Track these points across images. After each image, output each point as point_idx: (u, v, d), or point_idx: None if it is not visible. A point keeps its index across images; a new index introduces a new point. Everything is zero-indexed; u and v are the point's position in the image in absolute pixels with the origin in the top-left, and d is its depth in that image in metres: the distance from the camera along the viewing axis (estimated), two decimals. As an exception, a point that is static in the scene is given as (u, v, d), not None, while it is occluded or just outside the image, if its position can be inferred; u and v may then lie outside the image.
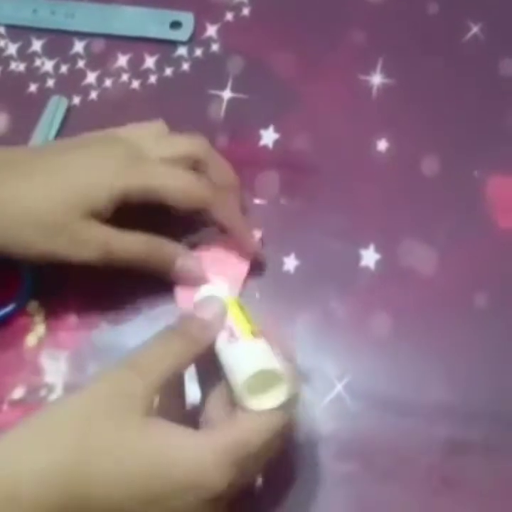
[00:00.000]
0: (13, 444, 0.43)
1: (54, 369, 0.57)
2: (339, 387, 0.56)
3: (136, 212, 0.55)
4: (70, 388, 0.57)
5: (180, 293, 0.58)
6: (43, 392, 0.57)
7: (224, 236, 0.58)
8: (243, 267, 0.59)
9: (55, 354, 0.58)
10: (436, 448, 0.54)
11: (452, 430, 0.54)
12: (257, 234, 0.59)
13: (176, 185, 0.55)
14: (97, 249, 0.54)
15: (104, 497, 0.43)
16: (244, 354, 0.47)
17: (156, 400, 0.46)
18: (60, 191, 0.53)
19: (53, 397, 0.57)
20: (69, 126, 0.65)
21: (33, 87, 0.67)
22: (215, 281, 0.56)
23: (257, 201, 0.62)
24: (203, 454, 0.44)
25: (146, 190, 0.54)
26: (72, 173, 0.54)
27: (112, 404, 0.44)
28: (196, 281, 0.56)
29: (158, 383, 0.45)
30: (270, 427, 0.45)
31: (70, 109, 0.66)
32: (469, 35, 0.66)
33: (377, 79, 0.65)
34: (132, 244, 0.55)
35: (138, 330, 0.58)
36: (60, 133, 0.65)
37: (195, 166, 0.57)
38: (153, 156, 0.55)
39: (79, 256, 0.54)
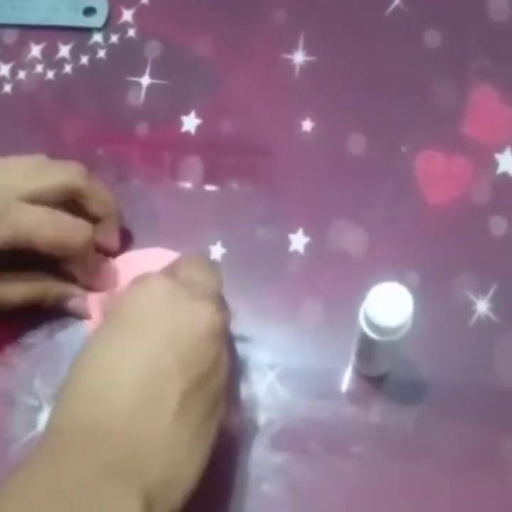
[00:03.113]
0: None
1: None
2: (271, 376, 0.55)
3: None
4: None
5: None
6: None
7: None
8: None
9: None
10: (368, 435, 0.53)
11: (385, 415, 0.53)
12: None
13: (46, 234, 0.52)
14: None
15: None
16: None
17: None
18: None
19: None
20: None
21: None
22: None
23: (180, 187, 0.60)
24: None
25: (14, 240, 0.51)
26: None
27: None
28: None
29: None
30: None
31: (-17, 104, 0.63)
32: (392, 7, 0.64)
33: (299, 57, 0.63)
34: (20, 293, 0.54)
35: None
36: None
37: (73, 196, 0.54)
38: (25, 194, 0.52)
39: None
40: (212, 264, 0.52)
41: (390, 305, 0.44)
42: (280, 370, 0.55)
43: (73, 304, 0.56)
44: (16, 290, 0.54)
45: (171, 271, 0.49)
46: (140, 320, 0.45)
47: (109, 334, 0.46)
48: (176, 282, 0.47)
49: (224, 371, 0.46)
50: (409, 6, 0.64)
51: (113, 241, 0.57)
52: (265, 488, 0.52)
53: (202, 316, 0.45)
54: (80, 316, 0.56)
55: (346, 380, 0.55)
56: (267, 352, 0.55)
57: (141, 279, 0.48)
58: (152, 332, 0.44)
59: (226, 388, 0.46)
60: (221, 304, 0.49)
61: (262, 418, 0.54)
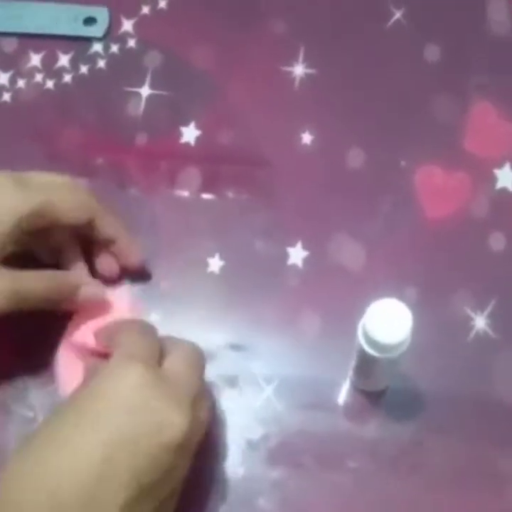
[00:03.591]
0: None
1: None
2: (268, 390, 0.54)
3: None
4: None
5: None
6: None
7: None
8: None
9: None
10: (364, 449, 0.52)
11: (381, 430, 0.53)
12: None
13: (69, 198, 0.53)
14: (6, 297, 0.50)
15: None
16: None
17: None
18: None
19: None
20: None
21: None
22: None
23: (178, 198, 0.60)
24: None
25: (43, 209, 0.51)
26: None
27: None
28: (101, 308, 0.56)
29: None
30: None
31: (-19, 113, 0.63)
32: (392, 20, 0.64)
33: (299, 69, 0.63)
34: (39, 282, 0.52)
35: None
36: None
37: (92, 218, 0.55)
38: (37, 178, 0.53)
39: None
40: (198, 353, 0.49)
41: (389, 322, 0.44)
42: (277, 384, 0.54)
43: (85, 292, 0.55)
44: (39, 280, 0.52)
45: (158, 353, 0.48)
46: (104, 411, 0.43)
47: (66, 417, 0.44)
48: (155, 375, 0.45)
49: (177, 479, 0.45)
50: (410, 19, 0.64)
51: (134, 254, 0.57)
52: (261, 502, 0.52)
53: (169, 427, 0.43)
54: (93, 304, 0.55)
55: (343, 394, 0.55)
56: (263, 366, 0.55)
57: (119, 361, 0.46)
58: (112, 429, 0.42)
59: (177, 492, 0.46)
60: (199, 400, 0.47)
61: (259, 432, 0.53)
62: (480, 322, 0.56)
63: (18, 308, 0.51)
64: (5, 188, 0.51)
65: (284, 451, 0.53)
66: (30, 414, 0.54)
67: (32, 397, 0.54)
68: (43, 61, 0.65)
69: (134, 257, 0.57)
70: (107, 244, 0.56)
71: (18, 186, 0.51)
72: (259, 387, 0.54)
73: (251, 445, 0.53)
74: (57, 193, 0.52)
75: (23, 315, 0.54)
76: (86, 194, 0.55)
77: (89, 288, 0.55)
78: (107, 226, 0.55)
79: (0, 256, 0.50)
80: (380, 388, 0.54)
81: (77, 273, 0.56)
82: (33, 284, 0.52)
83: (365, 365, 0.49)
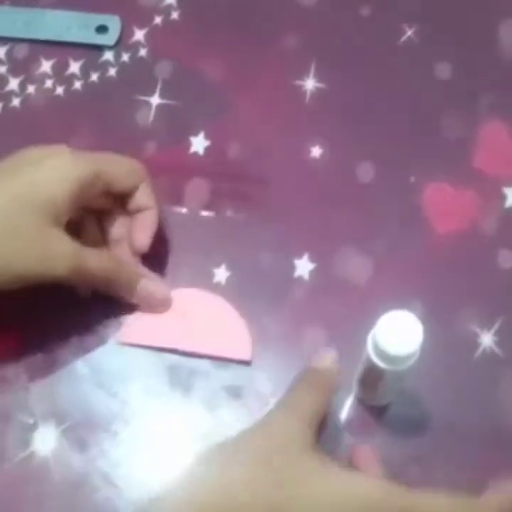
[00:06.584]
0: None
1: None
2: (272, 403, 0.53)
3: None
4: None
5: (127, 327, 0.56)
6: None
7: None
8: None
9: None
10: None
11: (383, 446, 0.53)
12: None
13: (120, 165, 0.55)
14: (69, 264, 0.50)
15: None
16: None
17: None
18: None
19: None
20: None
21: (-49, 95, 0.64)
22: None
23: (185, 210, 0.60)
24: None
25: (98, 175, 0.52)
26: (25, 174, 0.51)
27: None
28: (159, 304, 0.56)
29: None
30: None
31: (-9, 117, 0.63)
32: (404, 38, 0.64)
33: (310, 84, 0.63)
34: (100, 261, 0.52)
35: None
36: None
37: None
38: None
39: (52, 272, 0.50)
40: None
41: (400, 333, 0.44)
42: (281, 396, 0.54)
43: (142, 285, 0.55)
44: (101, 259, 0.53)
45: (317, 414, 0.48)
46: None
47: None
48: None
49: None
50: (421, 37, 0.64)
51: (145, 237, 0.56)
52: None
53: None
54: (148, 300, 0.55)
55: (347, 408, 0.54)
56: (268, 378, 0.55)
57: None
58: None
59: None
60: None
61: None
62: (487, 340, 0.55)
63: (78, 279, 0.52)
64: (64, 155, 0.51)
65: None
66: (31, 420, 0.54)
67: (32, 404, 0.54)
68: (54, 67, 0.65)
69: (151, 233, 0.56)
70: (135, 212, 0.56)
71: (74, 154, 0.52)
72: (264, 399, 0.54)
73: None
74: (108, 159, 0.54)
75: (25, 324, 0.54)
76: (134, 161, 0.55)
77: (151, 283, 0.55)
78: (147, 194, 0.56)
79: (61, 222, 0.51)
80: (384, 403, 0.53)
81: (136, 265, 0.56)
82: (96, 260, 0.52)
83: (373, 378, 0.48)
